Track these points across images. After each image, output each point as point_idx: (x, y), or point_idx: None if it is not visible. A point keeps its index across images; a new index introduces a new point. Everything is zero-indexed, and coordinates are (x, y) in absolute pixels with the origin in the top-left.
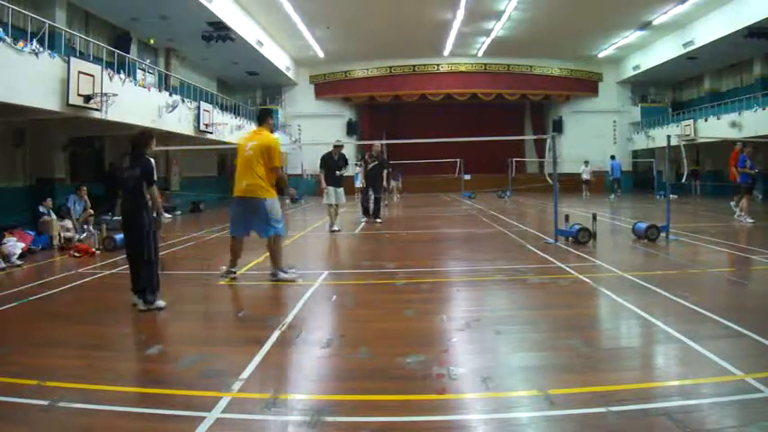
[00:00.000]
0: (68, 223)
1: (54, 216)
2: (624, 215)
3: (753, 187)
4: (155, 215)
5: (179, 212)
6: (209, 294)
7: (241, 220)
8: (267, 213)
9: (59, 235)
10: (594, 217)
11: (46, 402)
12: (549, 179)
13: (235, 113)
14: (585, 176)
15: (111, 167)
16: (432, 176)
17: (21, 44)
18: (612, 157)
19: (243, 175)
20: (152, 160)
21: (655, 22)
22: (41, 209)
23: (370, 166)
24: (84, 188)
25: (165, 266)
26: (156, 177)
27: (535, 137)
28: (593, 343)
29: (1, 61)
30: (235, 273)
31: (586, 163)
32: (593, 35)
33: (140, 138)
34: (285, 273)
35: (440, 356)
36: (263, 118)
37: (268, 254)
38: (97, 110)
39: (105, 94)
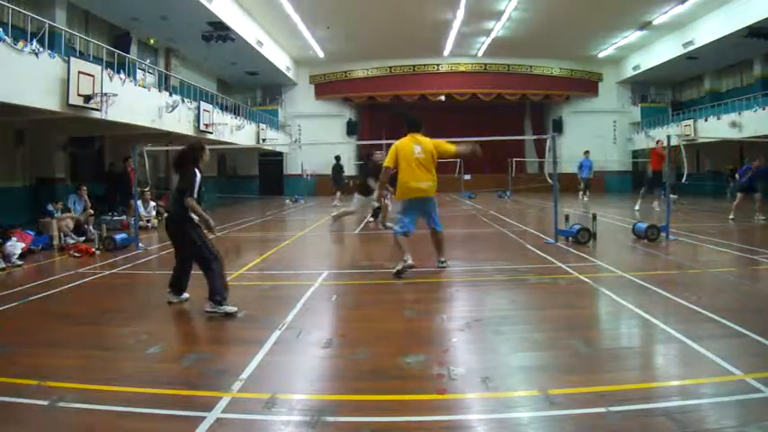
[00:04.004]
0: (70, 223)
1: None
2: (624, 215)
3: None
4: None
5: None
6: None
7: (412, 219)
8: (435, 210)
9: (60, 235)
10: (594, 217)
11: (46, 402)
12: (549, 179)
13: (235, 113)
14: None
15: (111, 167)
16: None
17: (21, 44)
18: (586, 153)
19: (418, 177)
20: (196, 172)
21: (655, 22)
22: (50, 208)
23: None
24: (85, 188)
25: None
26: (193, 189)
27: (535, 137)
28: (593, 343)
29: (1, 61)
30: (410, 264)
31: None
32: (593, 35)
33: (188, 152)
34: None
35: (440, 356)
36: (421, 127)
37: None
38: (97, 110)
39: (105, 94)
